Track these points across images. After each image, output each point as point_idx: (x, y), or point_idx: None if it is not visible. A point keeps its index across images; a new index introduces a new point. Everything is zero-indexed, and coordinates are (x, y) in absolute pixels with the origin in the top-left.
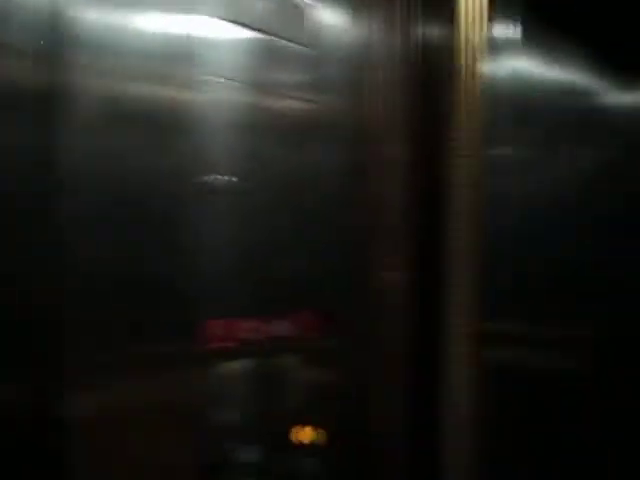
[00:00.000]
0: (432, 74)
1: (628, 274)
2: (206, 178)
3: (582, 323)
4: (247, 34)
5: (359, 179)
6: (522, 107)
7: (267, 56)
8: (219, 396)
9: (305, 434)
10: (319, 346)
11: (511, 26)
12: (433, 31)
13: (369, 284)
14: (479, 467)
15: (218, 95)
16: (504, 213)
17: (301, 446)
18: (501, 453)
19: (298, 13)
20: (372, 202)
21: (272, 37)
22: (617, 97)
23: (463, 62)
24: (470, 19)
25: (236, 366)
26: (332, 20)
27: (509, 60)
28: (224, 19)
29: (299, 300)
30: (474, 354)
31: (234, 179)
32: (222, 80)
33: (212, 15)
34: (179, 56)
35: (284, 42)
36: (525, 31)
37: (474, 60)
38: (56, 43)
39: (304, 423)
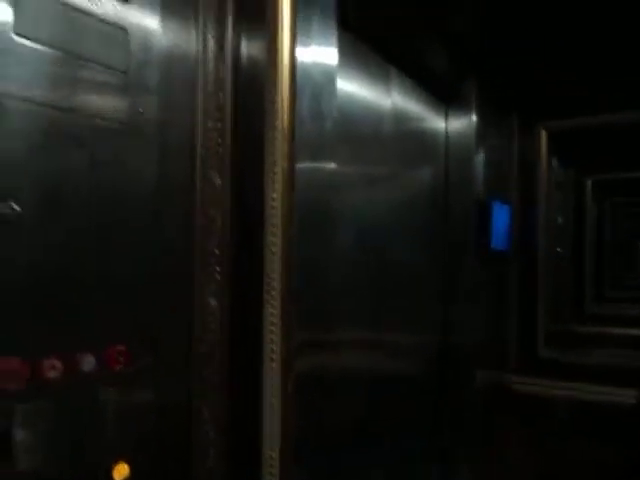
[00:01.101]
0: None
1: None
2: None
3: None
4: (49, 53)
5: (180, 196)
6: (340, 124)
7: (71, 77)
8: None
9: (120, 471)
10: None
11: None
12: (250, 47)
13: (187, 306)
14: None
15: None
16: (320, 225)
17: None
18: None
19: (116, 35)
20: (190, 220)
21: (79, 59)
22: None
23: (279, 78)
24: (285, 35)
25: (35, 406)
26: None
27: (327, 76)
28: (20, 34)
29: (105, 333)
30: (285, 362)
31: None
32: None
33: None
34: None
35: (93, 64)
36: (342, 51)
37: (290, 77)
38: None
39: (120, 459)
